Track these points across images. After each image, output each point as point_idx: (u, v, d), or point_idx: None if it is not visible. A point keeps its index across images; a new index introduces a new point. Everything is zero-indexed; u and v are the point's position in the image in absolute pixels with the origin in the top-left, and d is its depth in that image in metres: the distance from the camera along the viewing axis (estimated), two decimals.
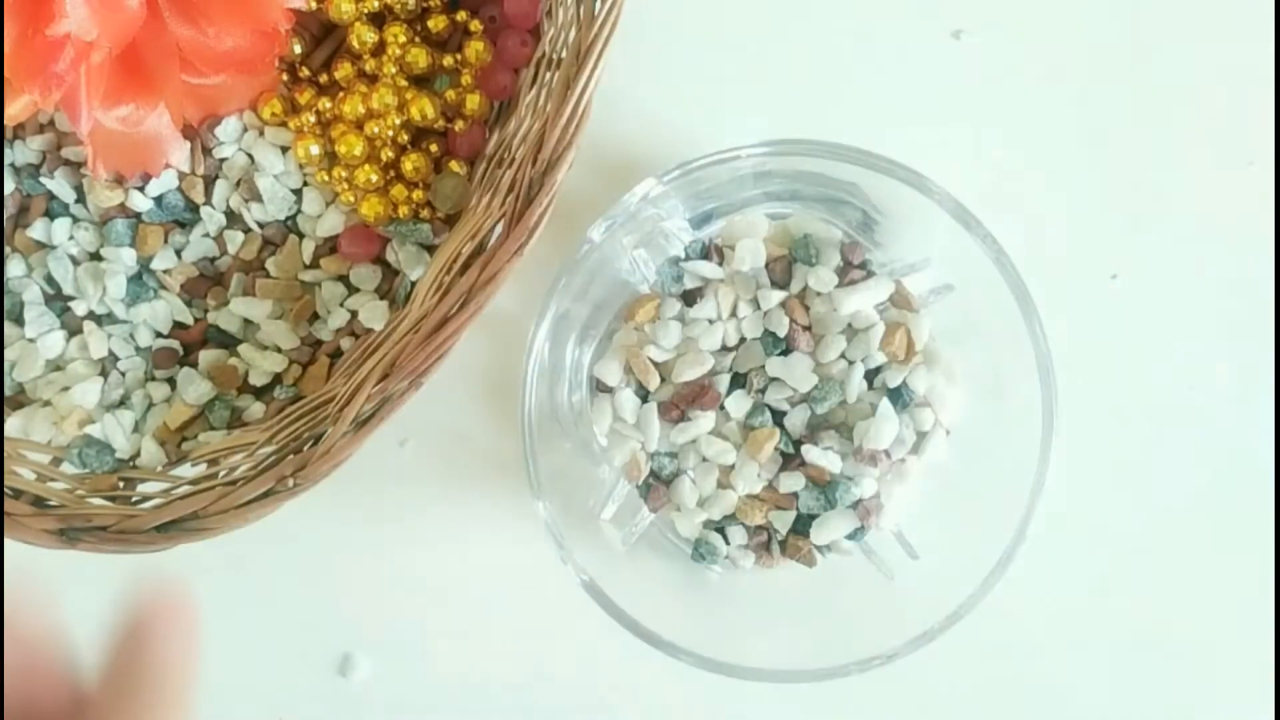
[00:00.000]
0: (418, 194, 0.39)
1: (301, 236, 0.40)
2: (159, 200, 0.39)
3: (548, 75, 0.36)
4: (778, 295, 0.38)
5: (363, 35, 0.38)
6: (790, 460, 0.38)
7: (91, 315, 0.39)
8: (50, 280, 0.39)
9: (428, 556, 0.42)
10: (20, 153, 0.39)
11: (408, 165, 0.38)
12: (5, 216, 0.39)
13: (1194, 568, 0.41)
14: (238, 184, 0.39)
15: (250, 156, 0.39)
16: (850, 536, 0.38)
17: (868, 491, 0.38)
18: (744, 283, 0.38)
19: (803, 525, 0.38)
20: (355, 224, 0.39)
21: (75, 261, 0.39)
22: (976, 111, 0.41)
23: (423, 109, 0.38)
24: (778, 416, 0.38)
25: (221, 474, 0.35)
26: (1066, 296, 0.40)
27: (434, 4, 0.39)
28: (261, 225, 0.39)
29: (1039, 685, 0.42)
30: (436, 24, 0.39)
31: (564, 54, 0.35)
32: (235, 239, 0.39)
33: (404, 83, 0.38)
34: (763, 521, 0.38)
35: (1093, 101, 0.41)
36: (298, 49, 0.39)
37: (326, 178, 0.39)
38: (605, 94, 0.34)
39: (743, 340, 0.38)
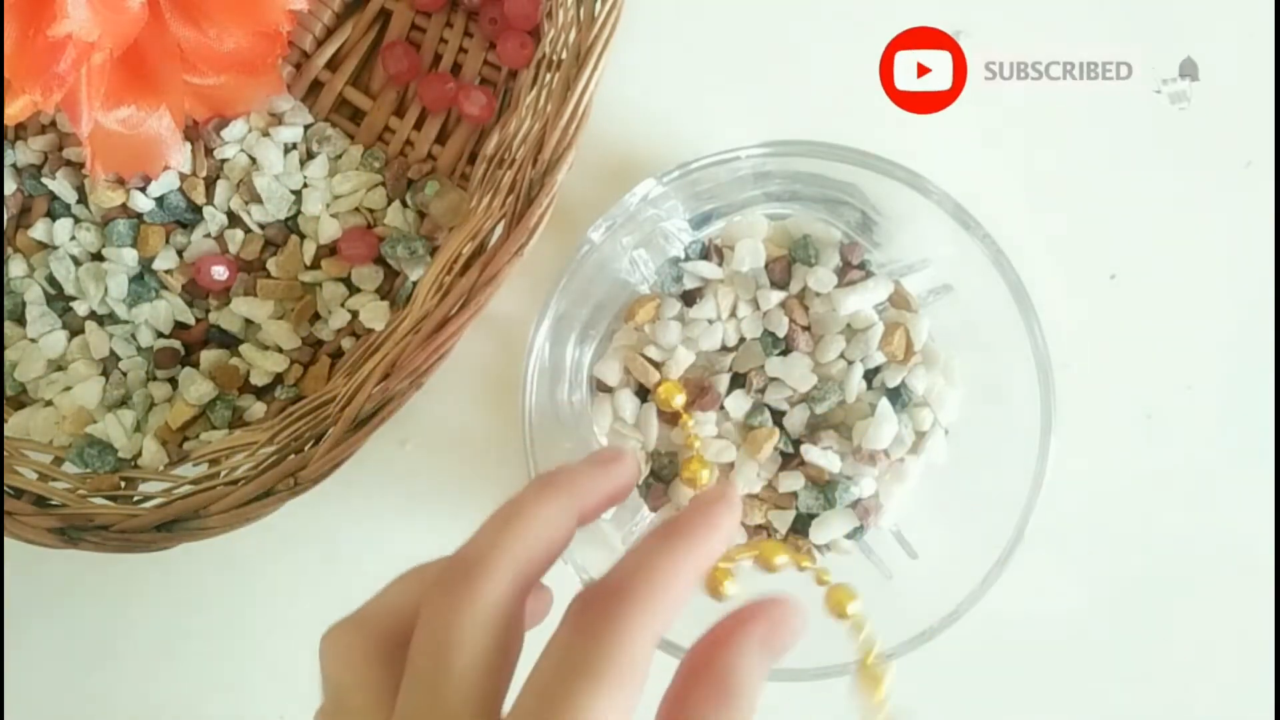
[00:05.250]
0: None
1: (303, 237, 0.40)
2: (160, 201, 0.39)
3: (548, 76, 0.36)
4: (777, 295, 0.38)
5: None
6: (789, 460, 0.38)
7: (93, 315, 0.39)
8: (52, 280, 0.39)
9: (428, 556, 0.42)
10: (22, 153, 0.39)
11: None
12: (7, 217, 0.39)
13: (1193, 567, 0.41)
14: (238, 185, 0.39)
15: (252, 158, 0.39)
16: (849, 536, 0.38)
17: (867, 491, 0.38)
18: (743, 283, 0.38)
19: (802, 524, 0.38)
20: (354, 225, 0.39)
21: (77, 262, 0.39)
22: (975, 112, 0.41)
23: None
24: (777, 416, 0.38)
25: (223, 474, 0.36)
26: (1065, 297, 0.40)
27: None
28: (262, 226, 0.40)
29: (1038, 684, 0.42)
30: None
31: (564, 55, 0.35)
32: (236, 239, 0.39)
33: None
34: (762, 521, 0.38)
35: (1092, 100, 0.41)
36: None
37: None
38: (605, 95, 0.34)
39: (742, 340, 0.38)
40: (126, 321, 0.39)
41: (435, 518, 0.42)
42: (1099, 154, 0.42)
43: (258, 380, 0.39)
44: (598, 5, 0.34)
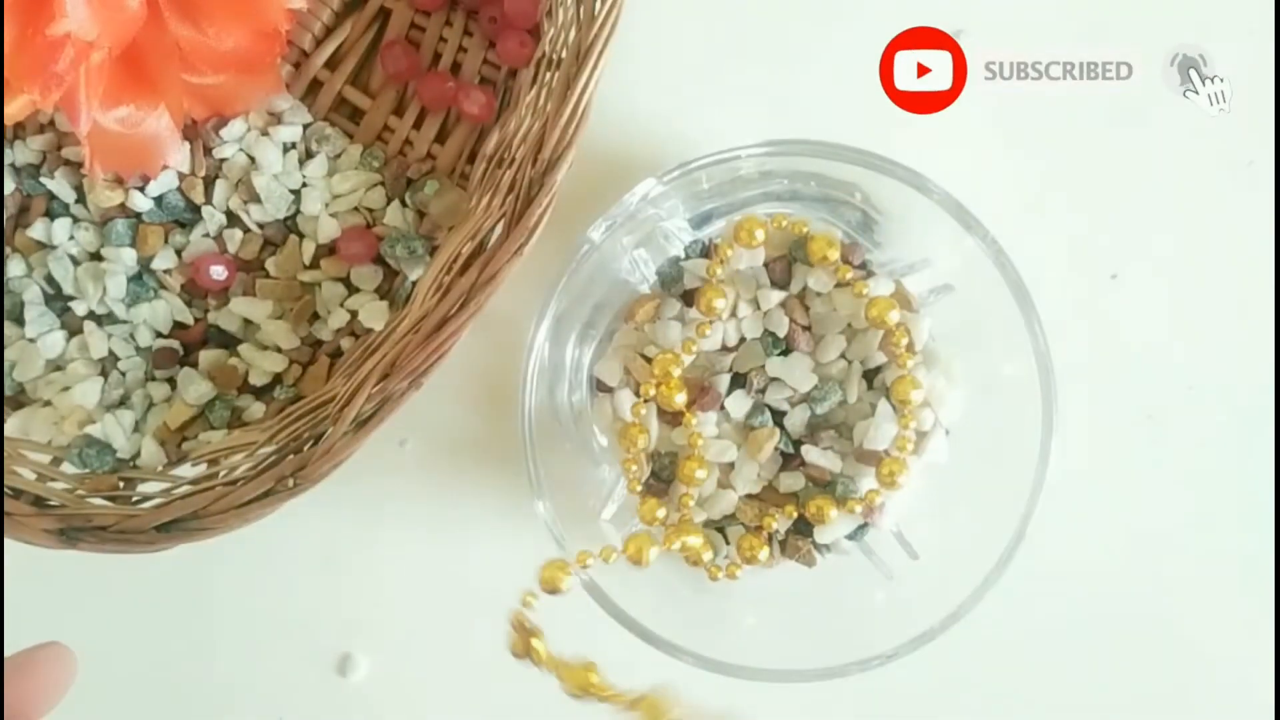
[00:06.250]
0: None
1: (302, 237, 0.40)
2: (159, 200, 0.39)
3: (548, 75, 0.36)
4: (777, 295, 0.38)
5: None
6: (790, 460, 0.38)
7: (92, 315, 0.39)
8: (50, 280, 0.39)
9: (428, 556, 0.42)
10: (20, 153, 0.39)
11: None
12: (5, 216, 0.39)
13: (1195, 567, 0.41)
14: (237, 185, 0.39)
15: (251, 158, 0.39)
16: (850, 536, 0.38)
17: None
18: (744, 283, 0.38)
19: (803, 525, 0.38)
20: (353, 225, 0.39)
21: (75, 261, 0.39)
22: (976, 112, 0.41)
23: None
24: (778, 416, 0.38)
25: (222, 474, 0.35)
26: (1066, 296, 0.40)
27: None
28: (261, 225, 0.39)
29: (1039, 685, 0.42)
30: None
31: (564, 54, 0.35)
32: (235, 239, 0.39)
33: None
34: (762, 522, 0.38)
35: (1092, 100, 0.41)
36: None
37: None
38: (605, 94, 0.34)
39: (743, 340, 0.38)
40: (125, 321, 0.39)
41: (435, 518, 0.42)
42: (1099, 154, 0.42)
43: (257, 380, 0.39)
44: (598, 4, 0.34)
